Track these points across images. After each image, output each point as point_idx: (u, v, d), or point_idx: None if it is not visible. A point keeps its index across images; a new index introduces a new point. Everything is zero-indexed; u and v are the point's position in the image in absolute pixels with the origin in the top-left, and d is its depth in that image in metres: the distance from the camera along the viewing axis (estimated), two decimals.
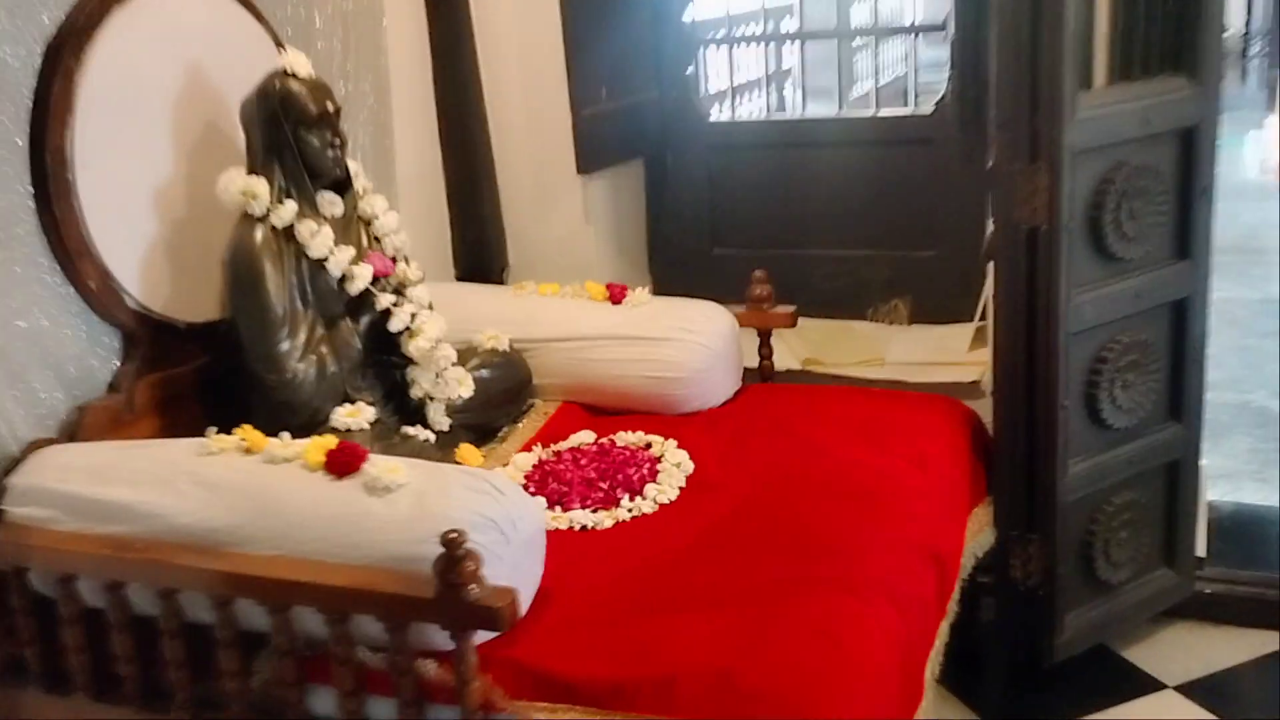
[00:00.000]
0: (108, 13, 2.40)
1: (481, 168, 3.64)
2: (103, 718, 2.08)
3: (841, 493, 2.40)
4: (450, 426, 2.64)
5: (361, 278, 2.51)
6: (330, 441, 2.04)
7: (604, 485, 2.47)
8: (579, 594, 2.05)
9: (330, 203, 2.58)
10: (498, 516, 1.90)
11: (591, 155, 3.56)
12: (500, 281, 3.72)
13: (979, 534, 2.64)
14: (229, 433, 2.34)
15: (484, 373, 2.78)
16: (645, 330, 2.88)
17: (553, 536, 2.22)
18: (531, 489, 2.48)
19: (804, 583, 2.07)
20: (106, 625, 2.04)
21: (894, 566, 2.23)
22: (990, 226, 2.81)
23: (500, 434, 2.80)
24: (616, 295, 3.00)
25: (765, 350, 3.10)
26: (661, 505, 2.41)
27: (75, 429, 2.35)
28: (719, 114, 4.20)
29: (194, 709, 2.00)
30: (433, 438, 2.57)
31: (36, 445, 2.26)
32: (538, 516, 2.03)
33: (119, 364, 2.50)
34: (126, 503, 2.03)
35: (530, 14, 3.50)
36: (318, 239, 2.47)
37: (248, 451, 2.08)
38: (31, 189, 2.30)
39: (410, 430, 2.55)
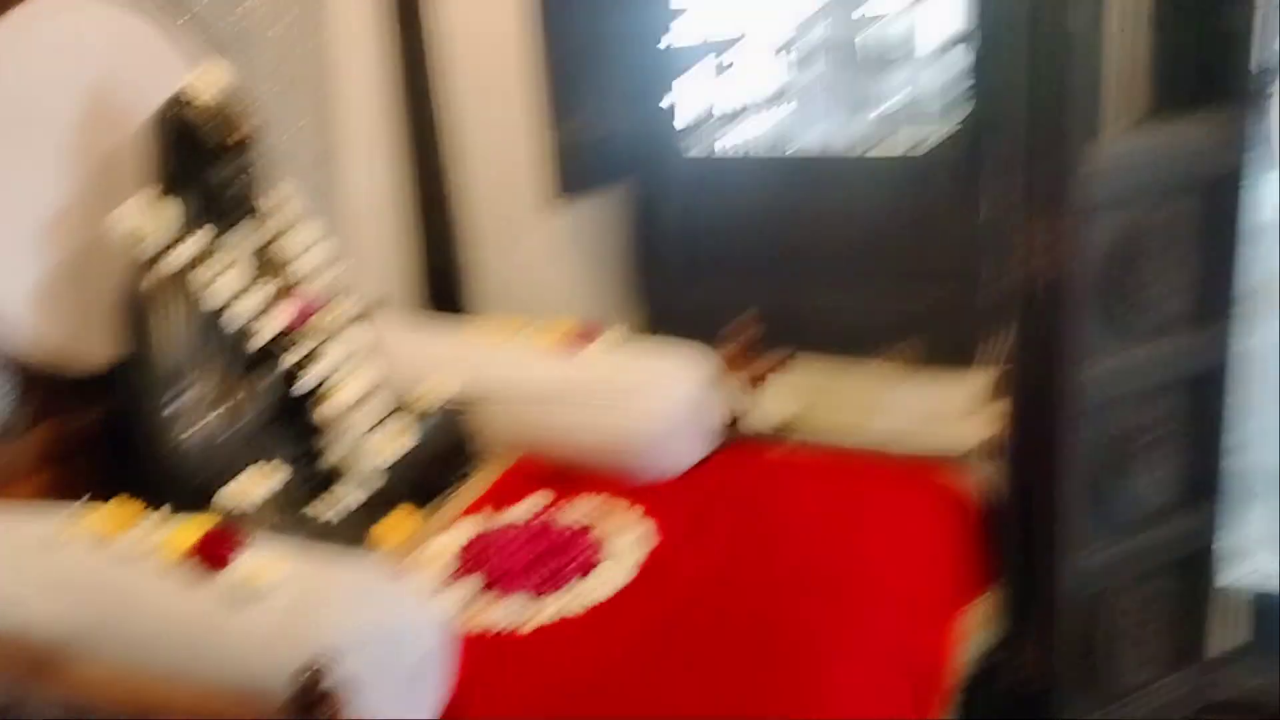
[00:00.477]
0: None
1: (450, 193, 3.35)
2: None
3: (808, 586, 2.10)
4: (375, 494, 2.35)
5: (265, 331, 2.22)
6: (198, 528, 1.75)
7: (537, 575, 2.17)
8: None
9: (244, 237, 2.29)
10: (384, 636, 1.61)
11: (571, 179, 3.26)
12: (474, 311, 3.44)
13: (970, 633, 2.32)
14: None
15: (421, 430, 2.49)
16: (598, 390, 2.57)
17: (467, 641, 1.95)
18: (455, 580, 2.18)
19: (754, 700, 1.79)
20: None
21: (861, 679, 1.93)
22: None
23: (447, 491, 2.50)
24: (586, 336, 2.70)
25: (740, 407, 2.79)
26: (597, 603, 2.10)
27: None
28: (716, 138, 3.91)
29: None
30: (343, 513, 2.26)
31: None
32: (437, 634, 1.73)
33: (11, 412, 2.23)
34: None
35: (497, 24, 3.21)
36: (216, 286, 2.19)
37: (105, 538, 1.80)
38: None
39: (320, 506, 2.25)
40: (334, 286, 2.43)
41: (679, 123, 3.69)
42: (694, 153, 3.75)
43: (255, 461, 2.23)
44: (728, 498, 2.45)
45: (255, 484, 2.14)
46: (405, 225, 3.36)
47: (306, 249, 2.38)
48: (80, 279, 2.30)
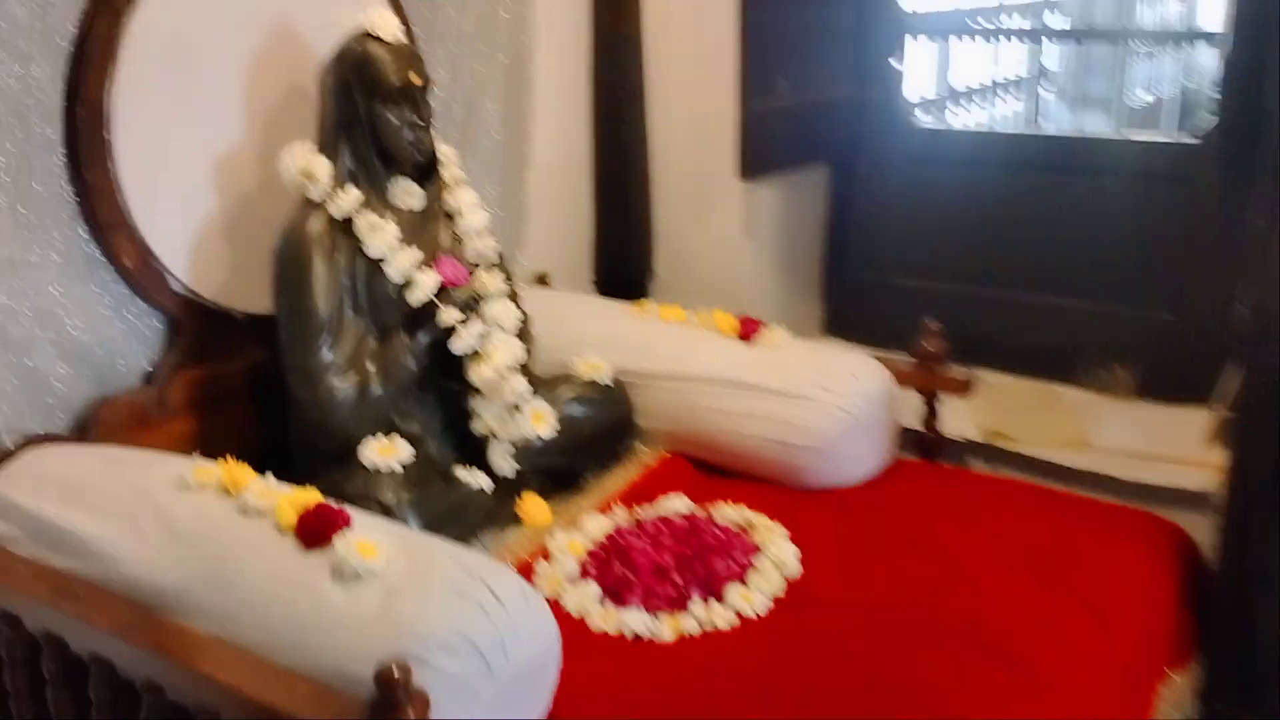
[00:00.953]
0: None
1: (635, 161, 3.18)
2: None
3: (983, 645, 1.82)
4: (518, 472, 2.21)
5: (424, 286, 2.09)
6: (309, 498, 1.64)
7: (678, 579, 1.97)
8: None
9: (406, 193, 2.18)
10: (483, 639, 1.46)
11: (759, 158, 3.01)
12: (643, 292, 3.26)
13: (1170, 710, 1.99)
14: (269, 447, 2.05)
15: (575, 409, 2.34)
16: (774, 381, 2.35)
17: (589, 644, 1.78)
18: (592, 570, 2.02)
19: None
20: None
21: None
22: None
23: (584, 483, 2.35)
24: (747, 331, 2.49)
25: (930, 418, 2.52)
26: (742, 619, 1.89)
27: (88, 426, 2.06)
28: (929, 120, 3.55)
29: None
30: (489, 484, 2.14)
31: (33, 441, 1.97)
32: (543, 642, 1.56)
33: (163, 353, 2.19)
34: (84, 536, 1.70)
35: None
36: (377, 235, 2.08)
37: (226, 492, 1.71)
38: (64, 148, 1.99)
39: (463, 473, 2.13)
40: (496, 250, 2.29)
41: (900, 95, 3.38)
42: (908, 132, 3.41)
43: (405, 419, 2.13)
44: (900, 521, 2.19)
45: (393, 447, 2.02)
46: (584, 195, 3.21)
47: (471, 209, 2.25)
48: (243, 222, 2.24)
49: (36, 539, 1.75)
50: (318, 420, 2.05)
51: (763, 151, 3.02)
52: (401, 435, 2.09)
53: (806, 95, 3.10)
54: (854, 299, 3.51)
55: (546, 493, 2.26)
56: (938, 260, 3.36)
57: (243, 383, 2.28)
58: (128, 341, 2.14)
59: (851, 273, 3.51)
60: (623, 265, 3.27)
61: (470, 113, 2.77)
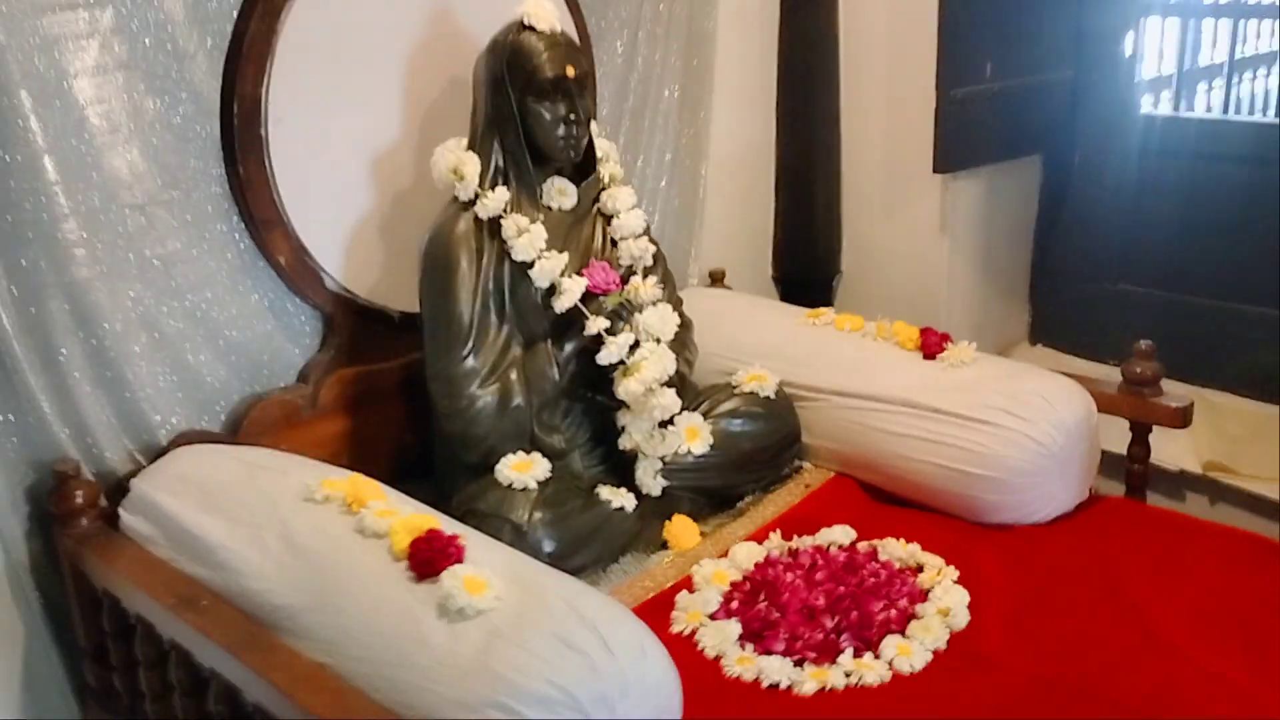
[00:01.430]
0: None
1: (823, 151, 2.98)
2: None
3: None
4: (668, 491, 2.08)
5: (570, 293, 1.98)
6: (424, 523, 1.55)
7: (829, 622, 1.80)
8: None
9: (559, 191, 2.07)
10: (585, 693, 1.33)
11: (958, 148, 2.75)
12: (828, 292, 3.06)
13: None
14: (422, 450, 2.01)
15: (735, 424, 2.19)
16: (955, 403, 2.13)
17: (721, 690, 1.64)
18: (735, 603, 1.87)
19: None
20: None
21: None
22: None
23: (741, 504, 2.19)
24: (930, 345, 2.27)
25: (1138, 450, 2.23)
26: (895, 675, 1.70)
27: (241, 423, 2.06)
28: (1157, 107, 3.17)
29: None
30: (632, 504, 2.02)
31: (184, 439, 1.97)
32: (658, 698, 1.42)
33: (316, 352, 2.17)
34: (212, 544, 1.68)
35: None
36: (524, 239, 1.98)
37: (349, 508, 1.65)
38: (220, 145, 1.98)
39: (606, 491, 2.01)
40: (653, 252, 2.15)
41: (1120, 84, 3.02)
42: (1133, 120, 3.04)
43: (546, 433, 2.04)
44: (1095, 570, 1.94)
45: (530, 464, 1.93)
46: (767, 188, 3.03)
47: (628, 210, 2.12)
48: (399, 219, 2.20)
49: (172, 541, 1.75)
50: (457, 430, 1.97)
51: (962, 142, 2.75)
52: (544, 449, 1.99)
53: (1016, 80, 2.81)
54: (1065, 306, 3.21)
55: (699, 514, 2.13)
56: (1163, 266, 3.01)
57: (396, 383, 2.23)
58: (282, 339, 2.12)
59: (1063, 277, 3.20)
60: (807, 263, 3.08)
61: (644, 103, 2.64)
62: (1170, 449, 2.55)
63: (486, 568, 1.48)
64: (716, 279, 2.84)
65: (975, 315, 3.05)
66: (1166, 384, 2.66)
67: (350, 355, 2.19)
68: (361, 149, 2.15)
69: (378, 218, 2.19)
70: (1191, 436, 2.66)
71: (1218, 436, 2.67)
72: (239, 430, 2.05)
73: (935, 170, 2.76)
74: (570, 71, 1.98)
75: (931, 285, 2.96)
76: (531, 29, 1.98)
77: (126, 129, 1.84)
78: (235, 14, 1.94)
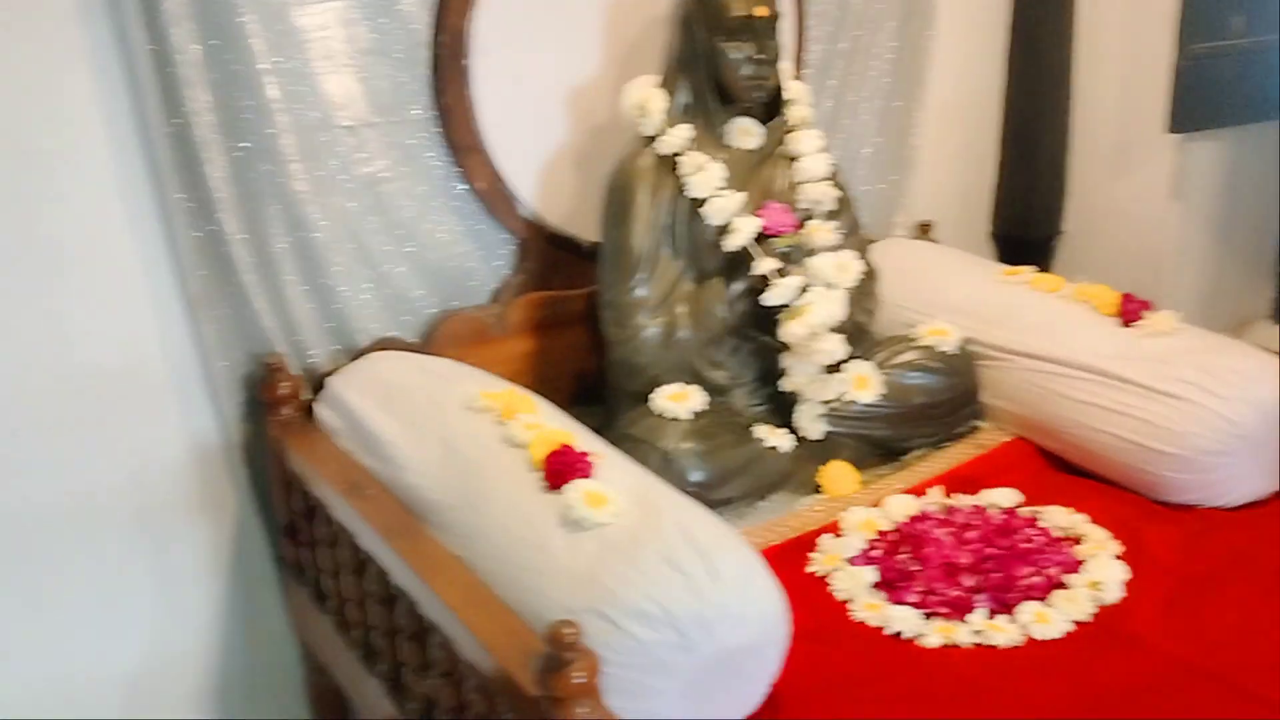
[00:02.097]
0: None
1: (1052, 103, 2.84)
2: (341, 648, 1.96)
3: None
4: (832, 437, 2.08)
5: (742, 232, 2.00)
6: (561, 437, 1.64)
7: (969, 581, 1.77)
8: None
9: (744, 132, 2.09)
10: (683, 613, 1.38)
11: (1197, 108, 2.56)
12: (1047, 252, 2.94)
13: None
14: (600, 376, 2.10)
15: (911, 376, 2.16)
16: (1145, 374, 2.02)
17: (841, 632, 1.66)
18: (877, 551, 1.86)
19: None
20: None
21: None
22: None
23: (907, 458, 2.17)
24: (1129, 312, 2.15)
25: None
26: (1029, 641, 1.66)
27: (432, 336, 2.21)
28: None
29: (389, 680, 1.78)
30: (788, 444, 2.03)
31: (380, 345, 2.14)
32: (759, 626, 1.45)
33: (507, 275, 2.29)
34: (383, 439, 1.83)
35: None
36: (701, 175, 2.01)
37: (502, 418, 1.75)
38: (428, 74, 2.11)
39: (763, 430, 2.04)
40: (835, 197, 2.13)
41: None
42: None
43: (714, 367, 2.08)
44: (1268, 560, 1.81)
45: (685, 395, 1.98)
46: (990, 140, 2.92)
47: (813, 154, 2.11)
48: (594, 153, 2.27)
49: (353, 435, 1.91)
50: (623, 358, 2.05)
51: (1202, 101, 2.57)
52: (706, 384, 2.04)
53: (1268, 36, 2.57)
54: None
55: (861, 462, 2.12)
56: None
57: (581, 310, 2.32)
58: (476, 260, 2.25)
59: None
60: (1026, 221, 2.96)
61: (857, 45, 2.60)
62: None
63: (612, 485, 1.55)
64: (924, 231, 2.77)
65: (1208, 287, 2.85)
66: None
67: (539, 280, 2.30)
68: (561, 83, 2.23)
69: (573, 150, 2.27)
70: None
71: None
72: (431, 342, 2.20)
73: (1170, 130, 2.58)
74: (760, 11, 1.99)
75: (1159, 252, 2.78)
76: None
77: (343, 55, 1.99)
78: None
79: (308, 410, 2.04)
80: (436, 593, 1.50)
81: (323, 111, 1.99)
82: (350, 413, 1.93)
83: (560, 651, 1.24)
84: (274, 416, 2.02)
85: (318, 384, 2.06)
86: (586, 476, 1.55)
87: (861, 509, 1.98)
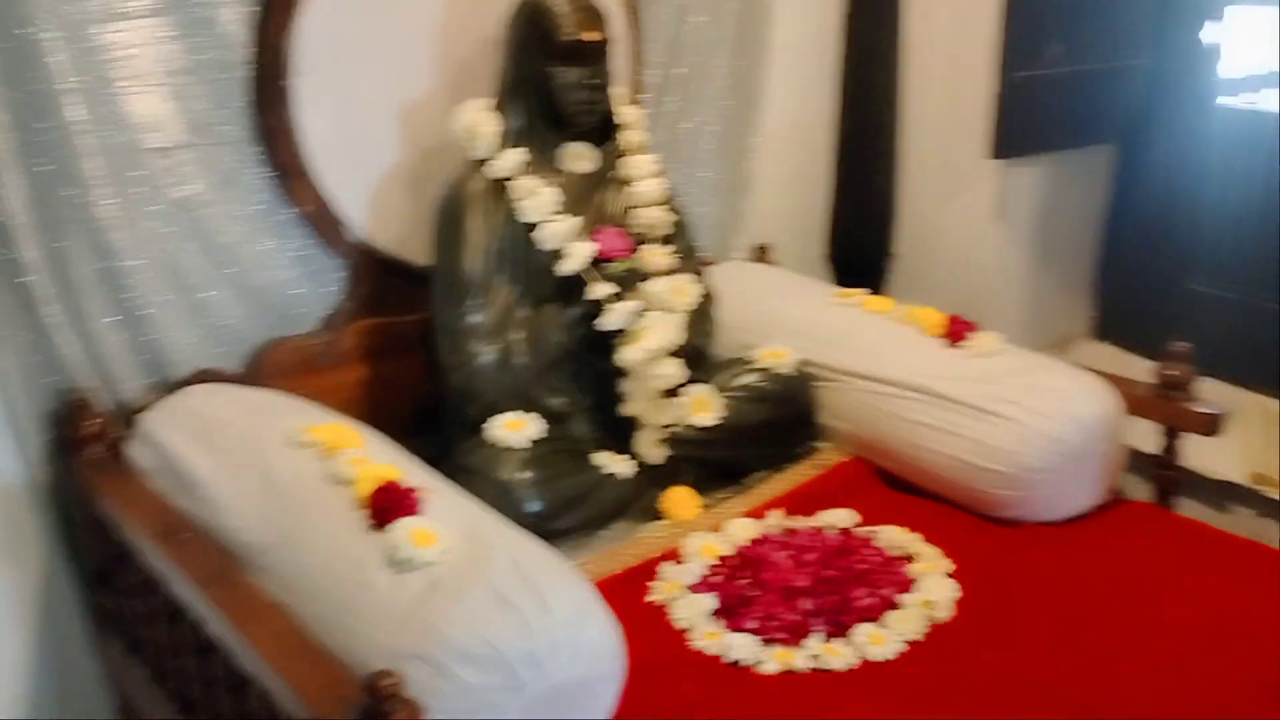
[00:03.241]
0: None
1: (882, 129, 2.91)
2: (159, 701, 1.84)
3: None
4: (672, 461, 2.07)
5: (576, 256, 1.98)
6: (386, 474, 1.58)
7: (807, 604, 1.77)
8: None
9: (577, 156, 2.07)
10: (514, 651, 1.34)
11: (1018, 134, 2.65)
12: (881, 274, 3.00)
13: None
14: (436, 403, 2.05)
15: (749, 399, 2.16)
16: (971, 393, 2.06)
17: (680, 662, 1.64)
18: (717, 577, 1.85)
19: None
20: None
21: None
22: None
23: (747, 479, 2.17)
24: (955, 332, 2.20)
25: (1167, 456, 2.14)
26: (864, 661, 1.67)
27: (258, 366, 2.11)
28: (1245, 100, 3.01)
29: None
30: (628, 471, 2.01)
31: (200, 377, 2.03)
32: (592, 661, 1.42)
33: (337, 301, 2.21)
34: (199, 479, 1.74)
35: None
36: (534, 200, 1.98)
37: (327, 454, 1.68)
38: (249, 93, 2.02)
39: (603, 457, 2.01)
40: (669, 222, 2.13)
41: (1203, 74, 2.86)
42: (1216, 113, 2.89)
43: (549, 395, 2.04)
44: (1092, 573, 1.87)
45: (521, 423, 1.93)
46: (822, 165, 2.98)
47: (646, 177, 2.10)
48: (425, 175, 2.21)
49: (167, 475, 1.80)
50: (458, 385, 2.00)
51: (1023, 127, 2.66)
52: (545, 411, 2.00)
53: (1087, 65, 2.69)
54: (1133, 302, 3.09)
55: (702, 486, 2.11)
56: (1238, 267, 2.87)
57: (416, 336, 2.24)
58: (304, 286, 2.16)
59: (1132, 271, 3.08)
60: (860, 244, 3.02)
61: (693, 70, 2.61)
62: (1214, 456, 2.44)
63: (441, 522, 1.49)
64: (760, 254, 2.80)
65: (1031, 307, 2.96)
66: (1230, 390, 2.56)
67: (371, 306, 2.23)
68: (390, 105, 2.17)
69: (404, 173, 2.21)
70: (1244, 446, 2.54)
71: (1268, 446, 2.54)
72: (255, 373, 2.10)
73: (993, 155, 2.67)
74: (590, 36, 1.97)
75: (985, 273, 2.87)
76: None
77: (155, 74, 1.89)
78: None
79: (119, 449, 1.92)
80: (251, 642, 1.42)
81: (131, 133, 1.88)
82: (164, 451, 1.82)
83: (379, 703, 1.18)
84: (81, 456, 1.90)
85: (130, 420, 1.95)
86: (413, 513, 1.49)
87: (702, 534, 1.97)
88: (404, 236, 2.23)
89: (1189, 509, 2.29)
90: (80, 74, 1.79)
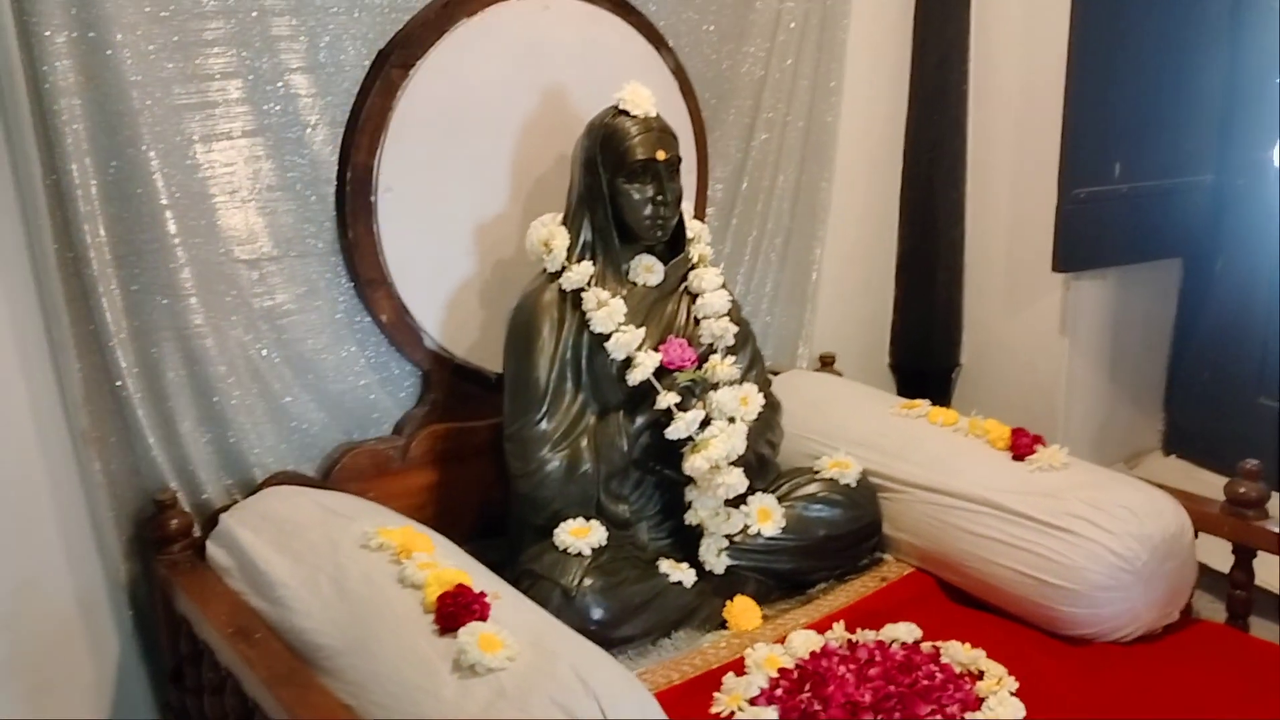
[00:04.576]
0: (452, 24, 2.15)
1: (945, 240, 2.95)
2: None
3: None
4: (737, 571, 2.08)
5: (644, 366, 2.03)
6: (455, 578, 1.61)
7: (871, 718, 1.76)
8: None
9: (646, 269, 2.13)
10: None
11: (1081, 248, 2.67)
12: (946, 385, 3.01)
13: None
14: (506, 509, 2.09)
15: (812, 509, 2.18)
16: (1037, 507, 2.05)
17: None
18: (779, 690, 1.84)
19: None
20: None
21: None
22: None
23: (811, 591, 2.17)
24: (1021, 446, 2.20)
25: (1239, 575, 2.10)
26: None
27: (333, 469, 2.17)
28: None
29: None
30: (690, 579, 2.03)
31: (278, 479, 2.10)
32: None
33: (411, 407, 2.28)
34: (274, 580, 1.79)
35: (1039, 51, 2.71)
36: (604, 311, 2.04)
37: (398, 558, 1.72)
38: (335, 209, 2.12)
39: (667, 565, 2.03)
40: (732, 333, 2.17)
41: (1267, 191, 2.87)
42: None
43: (614, 502, 2.07)
44: (1161, 694, 1.83)
45: (588, 530, 1.97)
46: (887, 276, 3.02)
47: (713, 290, 2.15)
48: (500, 286, 2.29)
49: (243, 575, 1.86)
50: (526, 491, 2.04)
51: (1085, 242, 2.68)
52: (610, 518, 2.03)
53: (1149, 181, 2.71)
54: (1203, 417, 3.05)
55: (765, 596, 2.12)
56: None
57: (486, 441, 2.31)
58: (380, 392, 2.24)
59: (1202, 386, 3.04)
60: (924, 354, 3.04)
61: (758, 186, 2.69)
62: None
63: (508, 628, 1.52)
64: (825, 363, 2.83)
65: (1099, 420, 2.94)
66: None
67: (444, 412, 2.29)
68: (467, 219, 2.26)
69: (479, 284, 2.29)
70: None
71: None
72: (331, 476, 2.17)
73: (1054, 269, 2.69)
74: (661, 155, 2.04)
75: (1050, 386, 2.87)
76: (626, 113, 2.06)
77: (247, 190, 2.00)
78: (356, 89, 2.09)
79: (199, 549, 1.98)
80: None
81: (222, 245, 1.98)
82: (241, 551, 1.88)
83: None
84: (162, 555, 1.97)
85: (210, 521, 2.01)
86: (481, 619, 1.52)
87: (765, 645, 1.96)
88: (477, 345, 2.30)
89: (1263, 630, 2.24)
90: (177, 190, 1.90)
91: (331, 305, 2.15)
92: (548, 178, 2.30)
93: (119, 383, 1.92)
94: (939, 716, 1.76)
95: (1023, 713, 1.78)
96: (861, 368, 2.96)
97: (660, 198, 2.06)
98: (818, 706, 1.79)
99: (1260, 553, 2.07)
